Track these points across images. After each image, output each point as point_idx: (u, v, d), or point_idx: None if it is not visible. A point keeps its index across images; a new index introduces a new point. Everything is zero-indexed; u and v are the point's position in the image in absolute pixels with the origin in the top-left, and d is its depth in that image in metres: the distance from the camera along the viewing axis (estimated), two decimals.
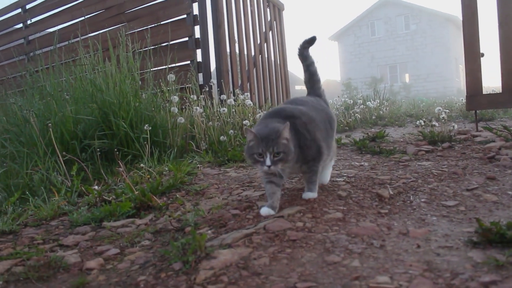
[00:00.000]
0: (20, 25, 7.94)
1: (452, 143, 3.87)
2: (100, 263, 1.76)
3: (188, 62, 5.62)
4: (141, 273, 1.62)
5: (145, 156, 3.49)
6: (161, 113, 4.14)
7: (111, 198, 2.63)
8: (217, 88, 5.70)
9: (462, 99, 9.05)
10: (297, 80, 29.77)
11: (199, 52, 5.68)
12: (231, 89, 6.02)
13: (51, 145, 3.31)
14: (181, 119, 3.99)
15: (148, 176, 3.06)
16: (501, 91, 4.64)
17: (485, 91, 4.77)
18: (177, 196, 2.66)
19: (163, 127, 4.04)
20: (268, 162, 1.95)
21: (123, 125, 3.69)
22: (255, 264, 1.57)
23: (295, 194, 2.39)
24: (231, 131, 4.24)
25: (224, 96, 4.94)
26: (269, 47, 7.60)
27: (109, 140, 3.71)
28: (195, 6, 5.71)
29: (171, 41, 5.31)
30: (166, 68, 4.73)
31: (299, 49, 2.69)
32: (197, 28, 5.68)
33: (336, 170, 3.08)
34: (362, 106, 8.94)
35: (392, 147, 3.87)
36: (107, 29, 5.86)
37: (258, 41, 7.09)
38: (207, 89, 5.25)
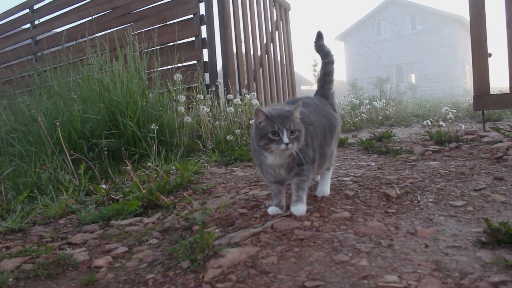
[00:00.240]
0: (28, 25, 7.98)
1: (459, 143, 3.86)
2: (108, 261, 1.77)
3: (195, 61, 5.63)
4: (150, 271, 1.63)
5: (152, 155, 3.50)
6: (168, 112, 4.15)
7: (118, 196, 2.64)
8: (224, 87, 5.71)
9: (469, 99, 9.01)
10: (303, 80, 29.78)
11: (205, 52, 5.69)
12: (238, 89, 6.03)
13: (59, 144, 3.33)
14: (188, 119, 4.00)
15: (155, 175, 3.07)
16: (508, 91, 4.62)
17: (492, 91, 4.75)
18: (184, 195, 2.67)
19: (170, 126, 4.05)
20: (286, 139, 1.85)
21: (130, 125, 3.70)
22: (263, 263, 1.57)
23: None
24: (238, 130, 4.25)
25: (230, 96, 4.95)
26: (275, 47, 7.60)
27: (116, 139, 3.72)
28: (202, 6, 5.72)
29: (177, 41, 5.32)
30: (173, 67, 4.74)
31: (318, 46, 2.59)
32: (203, 28, 5.69)
33: (343, 170, 3.08)
34: (368, 106, 8.92)
35: (398, 147, 3.86)
36: (114, 29, 5.89)
37: (265, 41, 7.10)
38: (214, 88, 5.26)
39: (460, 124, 4.36)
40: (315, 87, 2.75)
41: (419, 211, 2.11)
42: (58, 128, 3.24)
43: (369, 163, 3.34)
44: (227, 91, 5.59)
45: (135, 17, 6.24)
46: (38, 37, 7.72)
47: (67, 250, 1.93)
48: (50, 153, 3.40)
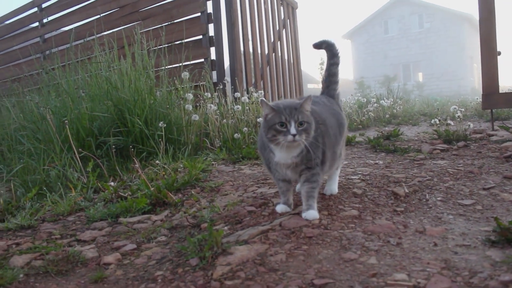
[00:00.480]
0: (36, 23, 8.02)
1: (468, 142, 3.84)
2: (117, 258, 1.78)
3: (202, 60, 5.64)
4: (158, 268, 1.63)
5: (160, 153, 3.51)
6: (175, 110, 4.16)
7: (126, 194, 2.65)
8: (231, 86, 5.72)
9: (477, 98, 8.97)
10: (310, 78, 29.71)
11: (213, 50, 5.70)
12: (245, 87, 6.03)
13: (67, 142, 3.34)
14: (195, 117, 4.01)
15: (163, 173, 3.08)
16: None
17: (501, 90, 4.72)
18: (192, 192, 2.67)
19: (177, 124, 4.06)
20: (293, 130, 1.81)
21: (138, 122, 3.71)
22: (271, 261, 1.57)
23: None
24: (245, 128, 4.25)
25: (238, 94, 4.95)
26: (283, 46, 7.60)
27: (124, 137, 3.74)
28: (209, 4, 5.73)
29: (185, 39, 5.33)
30: (180, 65, 4.75)
31: (327, 46, 2.54)
32: (211, 26, 5.70)
33: (351, 168, 3.07)
34: (375, 104, 8.89)
35: (406, 146, 3.85)
36: (122, 27, 5.91)
37: (272, 40, 7.10)
38: (221, 87, 5.27)
39: (469, 123, 4.33)
40: None
41: (428, 209, 2.11)
42: (67, 126, 3.26)
43: (377, 161, 3.33)
44: (234, 89, 5.59)
45: (142, 15, 6.25)
46: (47, 36, 7.76)
47: (76, 247, 1.94)
48: (58, 151, 3.42)
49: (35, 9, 7.95)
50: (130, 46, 4.52)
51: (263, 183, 2.78)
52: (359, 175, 2.78)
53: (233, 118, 4.50)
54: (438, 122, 4.51)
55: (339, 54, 2.55)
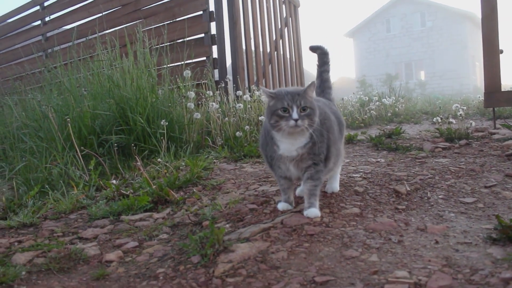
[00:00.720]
0: (39, 22, 8.03)
1: (470, 140, 3.84)
2: (119, 255, 1.79)
3: (204, 58, 5.64)
4: (160, 266, 1.64)
5: (162, 151, 3.52)
6: (177, 108, 4.17)
7: (128, 192, 2.66)
8: (233, 84, 5.72)
9: (479, 97, 8.95)
10: (311, 76, 29.66)
11: (215, 48, 5.70)
12: (247, 85, 6.03)
13: (69, 140, 3.35)
14: (197, 115, 4.01)
15: (165, 171, 3.08)
16: None
17: (503, 88, 4.72)
18: (194, 190, 2.68)
19: (179, 122, 4.06)
20: (295, 115, 1.80)
21: (140, 121, 3.72)
22: (273, 258, 1.58)
23: None
24: (247, 126, 4.25)
25: (240, 92, 4.95)
26: (285, 44, 7.60)
27: (126, 135, 3.74)
28: (211, 2, 5.73)
29: (187, 37, 5.33)
30: (182, 64, 4.75)
31: (320, 54, 2.58)
32: (213, 25, 5.70)
33: (353, 166, 3.07)
34: (377, 103, 8.88)
35: (408, 144, 3.85)
36: (124, 26, 5.91)
37: (274, 38, 7.09)
38: (223, 85, 5.27)
39: (471, 121, 4.32)
40: None
41: (429, 207, 2.11)
42: (69, 124, 3.27)
43: (379, 159, 3.33)
44: (236, 88, 5.59)
45: (144, 13, 6.25)
46: (49, 34, 7.78)
47: (78, 244, 1.95)
48: (60, 149, 3.43)
49: (37, 7, 7.97)
50: (132, 45, 4.52)
51: (264, 181, 2.78)
52: (361, 173, 2.78)
53: (235, 116, 4.50)
54: (440, 120, 4.50)
55: (330, 62, 2.60)
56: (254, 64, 6.42)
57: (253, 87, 5.50)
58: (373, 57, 33.68)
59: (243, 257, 1.59)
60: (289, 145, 1.93)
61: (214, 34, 5.68)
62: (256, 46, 6.52)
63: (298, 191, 2.32)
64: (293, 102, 1.83)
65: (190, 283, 1.46)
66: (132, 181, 3.01)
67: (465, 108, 4.74)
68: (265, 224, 1.90)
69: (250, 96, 4.77)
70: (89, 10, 6.99)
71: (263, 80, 6.60)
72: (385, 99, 9.23)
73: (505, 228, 1.62)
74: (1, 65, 8.41)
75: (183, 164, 3.29)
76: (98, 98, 3.97)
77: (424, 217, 1.96)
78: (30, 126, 4.03)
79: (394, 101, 9.74)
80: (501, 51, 4.58)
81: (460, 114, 4.37)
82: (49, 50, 7.35)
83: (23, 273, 1.65)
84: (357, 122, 7.17)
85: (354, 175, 2.75)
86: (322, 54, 2.59)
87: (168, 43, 4.82)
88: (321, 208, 2.04)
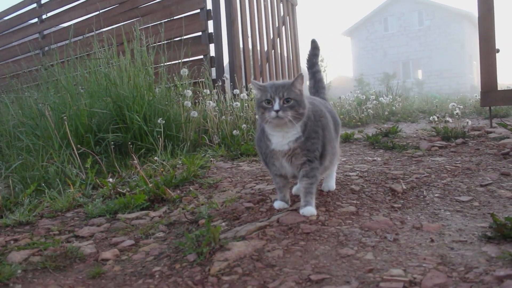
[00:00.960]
0: (36, 19, 8.01)
1: (466, 139, 3.85)
2: (115, 254, 1.79)
3: (202, 56, 5.64)
4: (156, 264, 1.64)
5: (159, 150, 3.52)
6: (174, 107, 4.17)
7: (125, 190, 2.66)
8: (230, 82, 5.71)
9: (476, 96, 8.97)
10: None
11: (212, 46, 5.69)
12: (244, 84, 6.03)
13: (66, 138, 3.35)
14: (194, 113, 4.01)
15: (162, 169, 3.08)
16: None
17: (500, 87, 4.73)
18: (191, 189, 2.68)
19: (176, 121, 4.06)
20: (276, 106, 1.83)
21: (137, 119, 3.72)
22: (269, 256, 1.58)
23: None
24: (244, 125, 4.25)
25: (237, 91, 4.95)
26: (282, 42, 7.59)
27: (123, 134, 3.74)
28: (209, 1, 5.72)
29: (184, 35, 5.33)
30: (179, 62, 4.75)
31: (309, 56, 2.60)
32: (210, 23, 5.69)
33: (349, 165, 3.08)
34: (374, 101, 8.90)
35: (405, 143, 3.85)
36: (121, 24, 5.90)
37: (271, 36, 7.09)
38: (220, 83, 5.27)
39: (467, 120, 4.34)
40: None
41: (425, 206, 2.11)
42: (65, 122, 3.26)
43: (375, 158, 3.34)
44: (233, 86, 5.59)
45: (142, 11, 6.24)
46: (46, 32, 7.76)
47: (74, 243, 1.95)
48: (57, 147, 3.42)
49: (34, 5, 7.94)
50: (129, 43, 4.52)
51: (261, 179, 2.78)
52: (357, 172, 2.79)
53: (232, 114, 4.50)
54: (436, 119, 4.52)
55: (318, 61, 2.62)
56: (251, 62, 6.42)
57: (250, 85, 5.49)
58: (370, 56, 33.70)
59: (239, 256, 1.59)
60: (280, 139, 1.94)
61: (211, 33, 5.68)
62: (254, 45, 6.52)
63: (294, 190, 2.33)
64: (276, 93, 1.85)
65: (186, 281, 1.46)
66: (128, 180, 3.01)
67: (461, 107, 4.75)
68: (261, 223, 1.91)
69: (247, 94, 4.77)
70: (86, 8, 6.97)
71: (261, 79, 6.60)
72: (382, 98, 9.25)
73: (500, 226, 1.63)
74: None
75: (180, 162, 3.29)
76: (95, 96, 3.96)
77: (420, 216, 1.97)
78: (26, 124, 4.02)
79: (391, 100, 9.76)
80: (498, 51, 4.59)
81: (457, 113, 4.38)
82: (46, 48, 7.32)
83: (19, 271, 1.65)
84: (354, 120, 7.18)
85: (350, 173, 2.76)
86: (312, 55, 2.61)
87: (166, 41, 4.82)
88: (317, 207, 2.04)
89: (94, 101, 3.93)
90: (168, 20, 5.87)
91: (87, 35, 5.28)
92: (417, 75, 32.73)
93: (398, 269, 1.41)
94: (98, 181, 2.89)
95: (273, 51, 7.15)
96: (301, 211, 1.97)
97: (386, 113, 8.47)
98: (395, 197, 2.27)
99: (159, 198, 2.50)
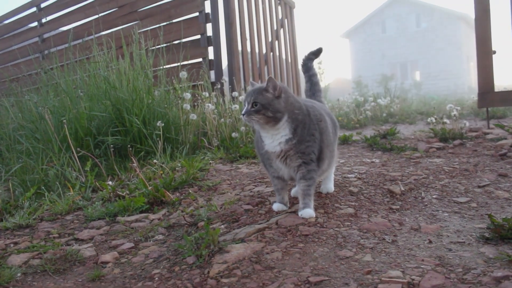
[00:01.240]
0: (35, 23, 8.01)
1: (464, 140, 3.86)
2: (115, 256, 1.80)
3: (200, 59, 5.65)
4: (155, 267, 1.65)
5: (158, 152, 3.52)
6: (173, 110, 4.17)
7: (124, 193, 2.66)
8: (229, 85, 5.71)
9: (473, 97, 9.00)
10: None
11: (211, 49, 5.70)
12: (243, 86, 6.03)
13: (66, 141, 3.36)
14: (193, 116, 4.02)
15: (161, 172, 3.09)
16: None
17: (497, 89, 4.74)
18: (190, 191, 2.69)
19: (175, 123, 4.07)
20: (243, 110, 1.94)
21: (136, 122, 3.72)
22: (268, 258, 1.59)
23: None
24: (243, 128, 4.26)
25: (235, 93, 4.96)
26: (280, 45, 7.61)
27: (123, 137, 3.74)
28: (207, 4, 5.73)
29: (183, 38, 5.34)
30: (178, 65, 4.75)
31: (304, 60, 2.64)
32: (209, 26, 5.70)
33: (348, 167, 3.09)
34: (373, 103, 8.91)
35: (403, 144, 3.87)
36: (121, 27, 5.91)
37: (270, 39, 7.10)
38: (219, 86, 5.27)
39: (465, 121, 4.35)
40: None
41: (423, 207, 2.13)
42: (65, 126, 3.27)
43: (374, 160, 3.35)
44: (232, 89, 5.60)
45: (141, 15, 6.25)
46: (45, 35, 7.76)
47: (74, 245, 1.96)
48: (57, 150, 3.43)
49: (34, 9, 7.94)
50: (129, 46, 4.52)
51: (260, 182, 2.79)
52: (356, 174, 2.80)
53: (231, 117, 4.51)
54: (434, 120, 4.53)
55: (313, 65, 2.66)
56: (250, 65, 6.42)
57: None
58: (368, 58, 33.72)
59: (238, 258, 1.60)
60: (270, 140, 1.99)
61: (210, 36, 5.69)
62: (252, 47, 6.53)
63: (293, 192, 2.34)
64: (246, 98, 1.97)
65: (185, 283, 1.47)
66: (128, 182, 3.01)
67: (459, 108, 4.77)
68: (260, 225, 1.92)
69: None
70: (85, 11, 6.98)
71: (259, 81, 6.61)
72: (380, 100, 9.27)
73: (497, 227, 1.64)
74: None
75: (179, 165, 3.30)
76: (95, 99, 3.97)
77: (418, 217, 1.98)
78: (26, 128, 4.02)
79: (389, 102, 9.78)
80: (494, 52, 4.61)
81: (454, 115, 4.40)
82: (46, 52, 7.33)
83: (19, 274, 1.66)
84: (352, 122, 7.19)
85: (349, 175, 2.77)
86: (307, 59, 2.65)
87: (164, 45, 4.83)
88: (315, 209, 2.06)
89: (93, 104, 3.94)
90: (167, 24, 5.88)
91: (87, 38, 5.29)
92: (415, 76, 32.75)
93: (397, 270, 1.42)
94: (97, 184, 2.90)
95: (271, 53, 7.16)
96: (300, 213, 1.99)
97: (384, 114, 8.48)
98: (393, 198, 2.28)
99: (159, 201, 2.51)
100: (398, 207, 2.14)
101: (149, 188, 2.55)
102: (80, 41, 5.32)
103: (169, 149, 3.68)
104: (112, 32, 5.53)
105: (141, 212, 2.39)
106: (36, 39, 7.90)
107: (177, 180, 2.82)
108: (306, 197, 2.00)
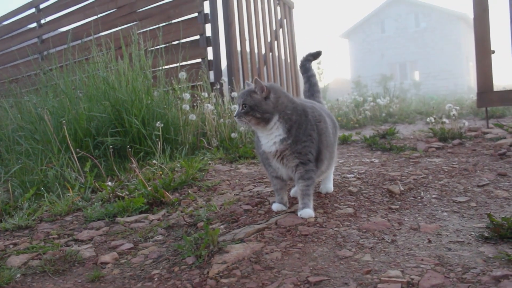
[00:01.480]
0: (34, 24, 8.01)
1: (463, 140, 3.86)
2: (114, 257, 1.80)
3: (200, 60, 5.64)
4: (155, 267, 1.65)
5: (157, 153, 3.52)
6: (172, 110, 4.17)
7: (124, 194, 2.66)
8: (228, 85, 5.71)
9: (472, 96, 9.00)
10: None
11: (210, 50, 5.70)
12: (242, 87, 6.03)
13: (65, 142, 3.36)
14: (192, 116, 4.02)
15: (161, 173, 3.09)
16: None
17: (496, 88, 4.75)
18: (189, 192, 2.69)
19: (174, 124, 4.07)
20: (235, 113, 1.99)
21: (136, 122, 3.72)
22: (267, 258, 1.59)
23: None
24: (242, 128, 4.26)
25: (235, 94, 4.96)
26: (280, 45, 7.61)
27: (122, 137, 3.74)
28: (206, 4, 5.73)
29: (182, 39, 5.34)
30: (177, 66, 4.75)
31: (302, 61, 2.66)
32: (208, 27, 5.70)
33: (347, 167, 3.09)
34: (372, 103, 8.92)
35: (402, 144, 3.87)
36: (120, 28, 5.91)
37: (269, 39, 7.10)
38: (218, 86, 5.27)
39: (464, 121, 4.35)
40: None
41: (422, 207, 2.13)
42: (64, 126, 3.27)
43: (373, 160, 3.35)
44: (231, 89, 5.60)
45: (140, 15, 6.25)
46: (44, 36, 7.75)
47: (73, 246, 1.96)
48: (56, 151, 3.43)
49: (33, 9, 7.94)
50: (128, 47, 4.53)
51: (259, 182, 2.79)
52: (355, 174, 2.80)
53: (230, 117, 4.50)
54: (433, 120, 4.53)
55: (311, 66, 2.68)
56: (249, 65, 6.42)
57: None
58: (368, 58, 33.73)
59: (237, 258, 1.60)
60: (266, 139, 2.01)
61: (209, 36, 5.68)
62: (251, 48, 6.53)
63: (292, 192, 2.34)
64: (238, 100, 2.02)
65: (184, 284, 1.47)
66: (127, 183, 3.01)
67: (458, 108, 4.77)
68: (259, 225, 1.92)
69: None
70: (84, 12, 6.98)
71: None
72: (379, 100, 9.27)
73: (497, 226, 1.64)
74: None
75: (179, 165, 3.30)
76: (94, 100, 3.97)
77: (417, 217, 1.98)
78: (25, 129, 4.02)
79: (388, 102, 9.79)
80: (493, 52, 4.61)
81: (453, 114, 4.40)
82: (45, 52, 7.33)
83: (18, 275, 1.66)
84: (351, 122, 7.20)
85: (348, 175, 2.77)
86: (305, 61, 2.67)
87: (164, 45, 4.83)
88: (315, 209, 2.06)
89: (92, 105, 3.94)
90: (166, 24, 5.88)
91: (86, 39, 5.29)
92: (414, 76, 32.77)
93: (396, 270, 1.42)
94: (97, 184, 2.90)
95: (270, 54, 7.16)
96: (299, 213, 1.99)
97: (384, 114, 8.49)
98: (393, 198, 2.28)
99: (158, 201, 2.51)
100: (397, 206, 2.14)
101: (149, 188, 2.54)
102: (79, 42, 5.32)
103: (168, 149, 3.68)
104: (111, 32, 5.54)
105: (141, 212, 2.39)
106: (35, 40, 7.90)
107: (177, 180, 2.82)
108: (305, 197, 1.99)
